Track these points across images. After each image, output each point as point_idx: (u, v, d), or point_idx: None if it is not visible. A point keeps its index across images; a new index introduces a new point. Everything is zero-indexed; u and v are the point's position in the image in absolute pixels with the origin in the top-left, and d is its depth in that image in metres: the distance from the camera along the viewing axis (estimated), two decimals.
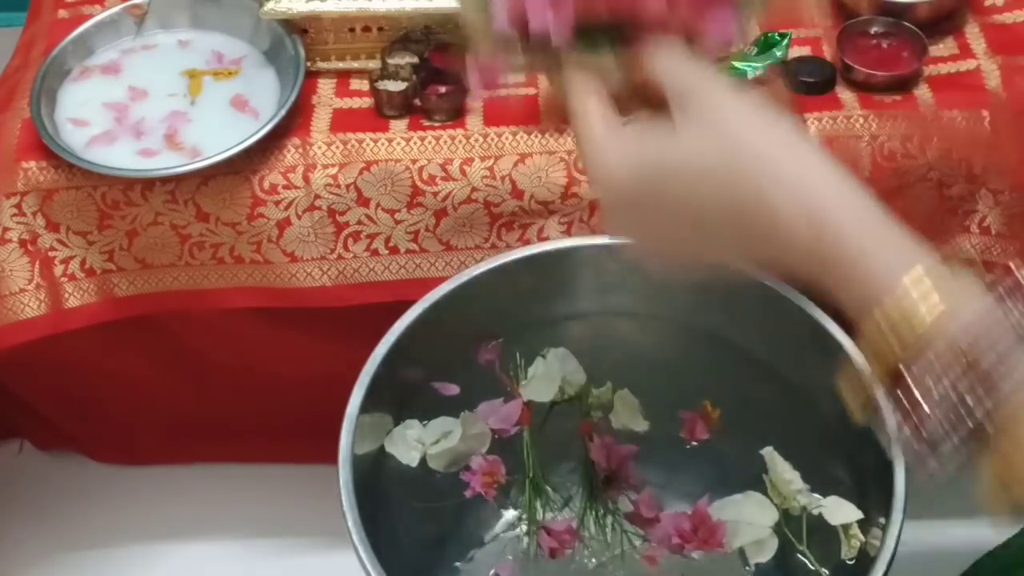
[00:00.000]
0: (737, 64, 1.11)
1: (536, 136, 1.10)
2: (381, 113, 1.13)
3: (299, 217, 1.10)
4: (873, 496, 0.85)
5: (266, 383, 1.28)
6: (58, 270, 1.12)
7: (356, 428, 0.90)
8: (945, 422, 0.51)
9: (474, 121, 1.12)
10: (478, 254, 1.12)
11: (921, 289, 0.51)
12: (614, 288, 0.99)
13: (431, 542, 1.10)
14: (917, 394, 0.51)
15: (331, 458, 0.89)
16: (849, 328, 0.93)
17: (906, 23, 1.15)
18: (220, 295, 1.14)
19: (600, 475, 0.93)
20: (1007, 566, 0.88)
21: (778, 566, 0.93)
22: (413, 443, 0.98)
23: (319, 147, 1.10)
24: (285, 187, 1.09)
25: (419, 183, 1.09)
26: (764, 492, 0.90)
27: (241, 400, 1.31)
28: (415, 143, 1.10)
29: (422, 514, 1.02)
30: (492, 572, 1.02)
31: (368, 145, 1.10)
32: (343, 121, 1.12)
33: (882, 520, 0.82)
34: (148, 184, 1.09)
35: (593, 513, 0.93)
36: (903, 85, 1.12)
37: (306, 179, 1.09)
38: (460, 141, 1.10)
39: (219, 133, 1.10)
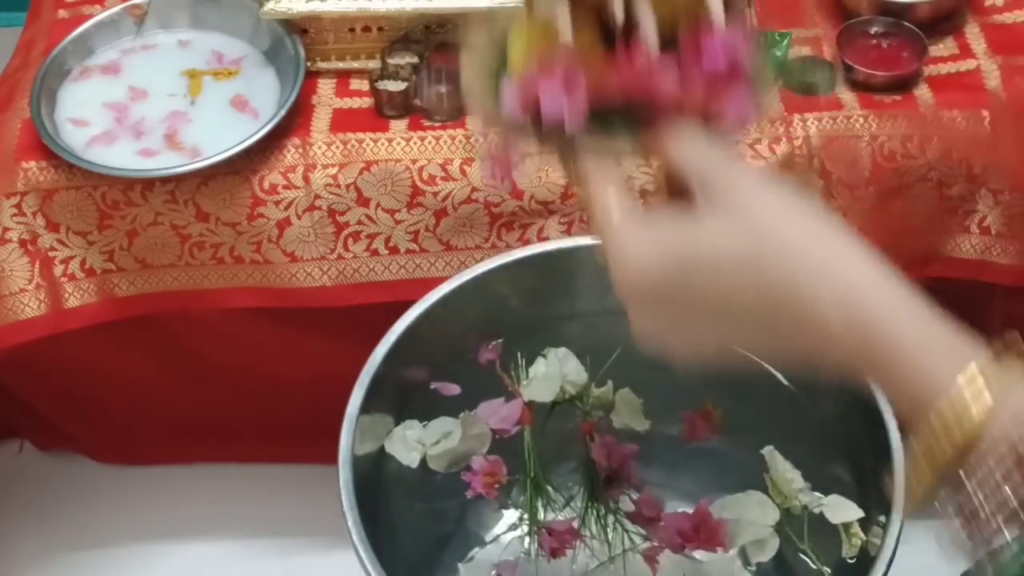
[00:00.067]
0: None
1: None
2: (381, 113, 1.13)
3: (299, 217, 1.10)
4: (874, 495, 0.86)
5: (266, 383, 1.28)
6: (58, 270, 1.12)
7: (356, 428, 0.90)
8: (997, 517, 0.49)
9: (474, 121, 1.12)
10: (478, 254, 1.12)
11: (974, 389, 0.48)
12: (615, 287, 0.99)
13: (432, 542, 1.10)
14: (968, 489, 0.50)
15: (331, 458, 0.89)
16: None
17: (906, 23, 1.15)
18: (220, 295, 1.14)
19: (601, 475, 0.93)
20: None
21: (779, 565, 0.93)
22: (413, 444, 0.98)
23: (319, 147, 1.10)
24: (285, 187, 1.09)
25: (419, 183, 1.09)
26: (765, 491, 0.90)
27: (241, 400, 1.31)
28: (415, 143, 1.10)
29: (423, 514, 1.02)
30: (493, 572, 1.02)
31: (368, 145, 1.10)
32: (343, 121, 1.12)
33: (883, 519, 0.82)
34: (148, 184, 1.09)
35: (594, 513, 0.93)
36: (903, 85, 1.13)
37: (306, 179, 1.09)
38: (460, 141, 1.10)
39: (219, 133, 1.10)
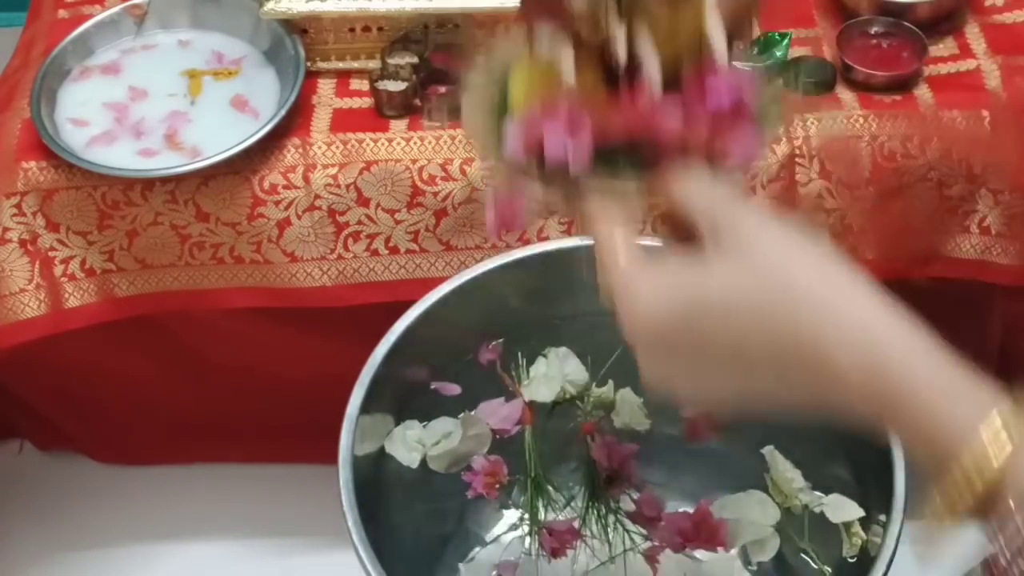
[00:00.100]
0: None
1: None
2: (381, 113, 1.13)
3: (299, 217, 1.10)
4: (874, 494, 0.86)
5: (266, 383, 1.28)
6: (58, 270, 1.12)
7: (356, 428, 0.90)
8: (1019, 561, 0.49)
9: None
10: (478, 254, 1.12)
11: (997, 440, 0.47)
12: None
13: (432, 542, 1.10)
14: (989, 534, 0.49)
15: (331, 458, 0.89)
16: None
17: (906, 23, 1.15)
18: (220, 295, 1.14)
19: (602, 474, 0.93)
20: None
21: (780, 564, 0.93)
22: (413, 444, 0.98)
23: (319, 147, 1.10)
24: (285, 187, 1.09)
25: (419, 183, 1.09)
26: (765, 490, 0.90)
27: (241, 400, 1.31)
28: (415, 143, 1.10)
29: (423, 514, 1.02)
30: (494, 572, 1.02)
31: (368, 145, 1.10)
32: (343, 121, 1.12)
33: (883, 518, 0.82)
34: (148, 184, 1.09)
35: (595, 512, 0.93)
36: (903, 85, 1.13)
37: (306, 179, 1.09)
38: (460, 141, 1.10)
39: (219, 133, 1.10)
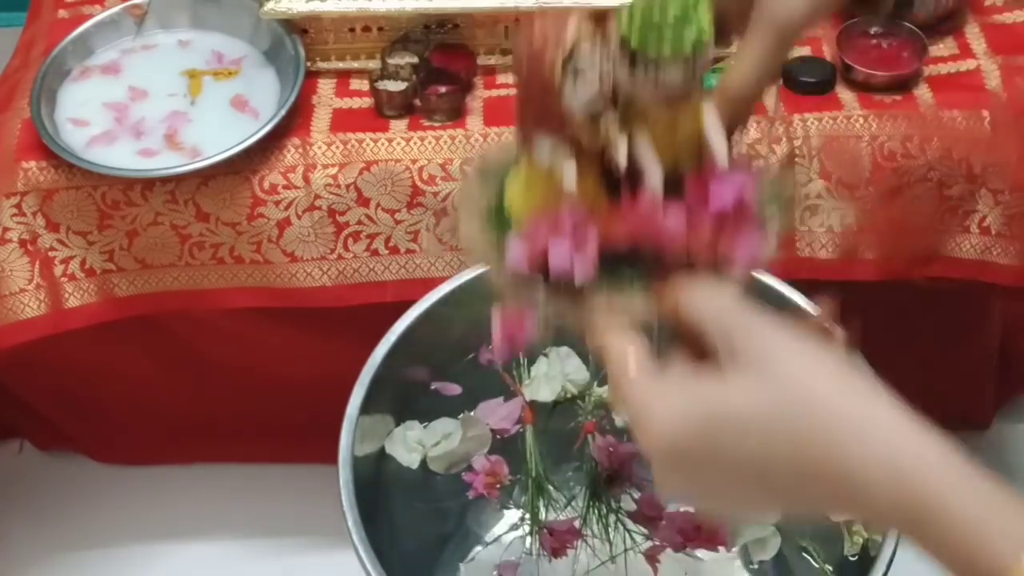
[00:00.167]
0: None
1: None
2: (381, 113, 1.13)
3: (299, 217, 1.10)
4: None
5: (266, 383, 1.28)
6: (58, 270, 1.12)
7: (356, 428, 0.90)
8: None
9: (474, 121, 1.12)
10: None
11: None
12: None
13: (432, 542, 1.10)
14: None
15: (331, 458, 0.89)
16: None
17: (906, 23, 1.15)
18: (220, 295, 1.14)
19: (603, 474, 0.93)
20: None
21: (780, 563, 0.93)
22: (413, 444, 0.98)
23: (319, 147, 1.10)
24: (285, 187, 1.09)
25: (419, 183, 1.09)
26: None
27: (241, 400, 1.31)
28: (415, 143, 1.10)
29: (423, 514, 1.02)
30: (494, 572, 1.02)
31: (368, 145, 1.10)
32: (343, 121, 1.12)
33: None
34: (148, 184, 1.09)
35: (596, 512, 0.93)
36: (903, 85, 1.13)
37: (306, 179, 1.09)
38: (460, 141, 1.10)
39: (219, 133, 1.10)
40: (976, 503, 0.46)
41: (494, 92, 1.15)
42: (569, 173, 0.57)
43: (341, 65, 1.17)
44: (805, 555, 0.87)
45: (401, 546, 0.99)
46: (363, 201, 1.10)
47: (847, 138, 1.10)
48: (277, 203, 1.09)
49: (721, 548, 0.88)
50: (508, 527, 1.05)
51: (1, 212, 1.10)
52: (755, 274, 0.60)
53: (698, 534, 0.87)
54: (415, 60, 1.13)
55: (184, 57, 1.19)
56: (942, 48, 1.17)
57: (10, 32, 1.39)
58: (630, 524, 0.92)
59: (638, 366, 0.55)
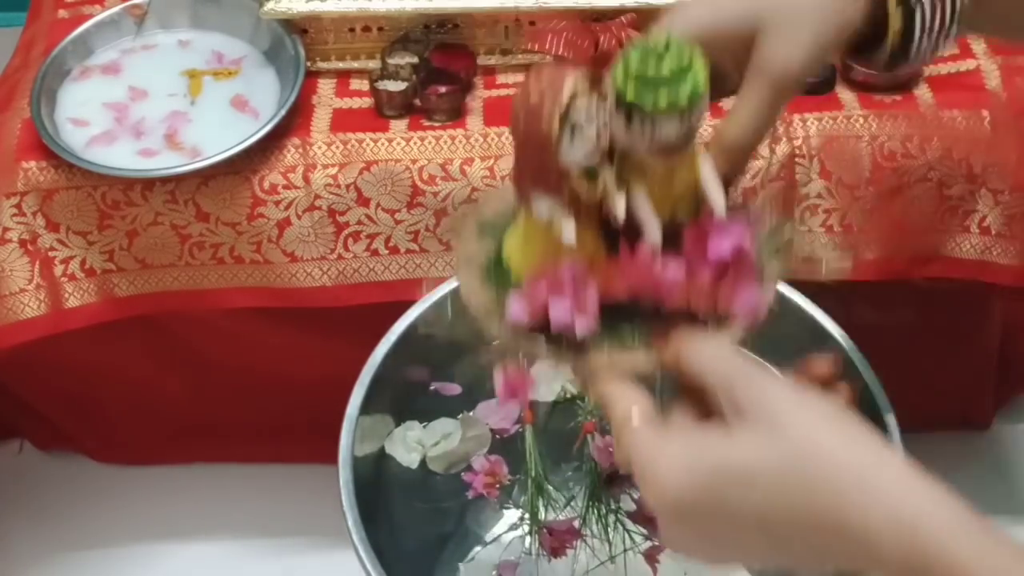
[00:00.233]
0: None
1: None
2: (381, 113, 1.13)
3: (299, 217, 1.10)
4: None
5: (266, 383, 1.28)
6: (58, 270, 1.12)
7: (356, 428, 0.90)
8: None
9: (474, 121, 1.12)
10: None
11: None
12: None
13: (432, 542, 1.10)
14: None
15: (331, 458, 0.89)
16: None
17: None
18: (220, 295, 1.14)
19: (602, 474, 0.93)
20: None
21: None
22: (413, 444, 0.98)
23: (319, 147, 1.10)
24: (285, 187, 1.09)
25: (419, 183, 1.09)
26: None
27: (241, 400, 1.31)
28: (415, 143, 1.10)
29: (423, 514, 1.02)
30: (494, 572, 1.02)
31: (368, 145, 1.10)
32: (343, 121, 1.12)
33: None
34: (148, 184, 1.09)
35: (595, 512, 0.93)
36: (903, 85, 1.13)
37: (306, 179, 1.09)
38: (460, 141, 1.10)
39: (219, 133, 1.10)
40: (980, 553, 0.46)
41: (494, 92, 1.15)
42: (568, 229, 0.58)
43: (341, 65, 1.17)
44: None
45: (401, 546, 0.99)
46: (363, 201, 1.10)
47: (847, 138, 1.10)
48: (277, 203, 1.09)
49: None
50: (508, 527, 1.05)
51: (1, 212, 1.10)
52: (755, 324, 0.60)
53: None
54: (415, 60, 1.13)
55: (184, 57, 1.19)
56: None
57: (10, 32, 1.39)
58: (629, 524, 0.92)
59: (642, 418, 0.55)
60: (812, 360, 0.61)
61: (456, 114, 1.12)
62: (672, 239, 0.60)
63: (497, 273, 0.64)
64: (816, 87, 1.12)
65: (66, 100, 1.15)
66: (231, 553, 1.37)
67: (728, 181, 0.64)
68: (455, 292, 0.64)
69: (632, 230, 0.59)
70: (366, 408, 0.91)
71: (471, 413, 0.97)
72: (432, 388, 0.97)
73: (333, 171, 1.09)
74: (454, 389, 0.95)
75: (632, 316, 0.60)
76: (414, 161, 1.09)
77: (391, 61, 1.13)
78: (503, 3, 1.11)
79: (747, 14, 0.65)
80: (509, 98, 1.14)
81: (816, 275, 0.68)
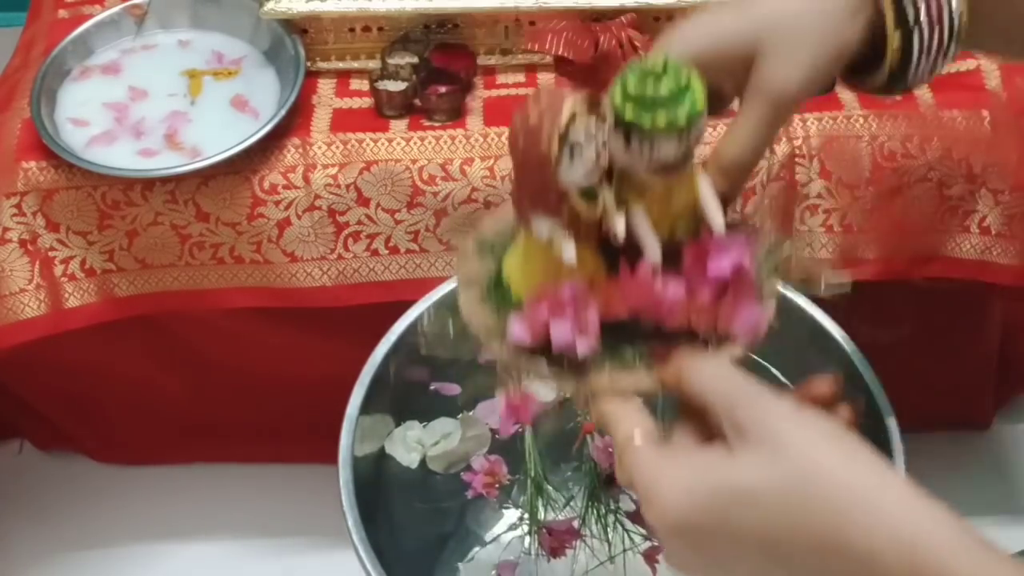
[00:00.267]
0: None
1: None
2: (381, 113, 1.13)
3: (299, 217, 1.10)
4: None
5: (266, 383, 1.28)
6: (58, 270, 1.12)
7: (356, 428, 0.90)
8: None
9: (474, 121, 1.12)
10: None
11: None
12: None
13: (432, 542, 1.10)
14: None
15: (331, 458, 0.89)
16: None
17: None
18: (220, 295, 1.14)
19: (601, 474, 0.93)
20: None
21: None
22: (413, 444, 0.98)
23: (319, 147, 1.10)
24: (285, 187, 1.09)
25: (419, 183, 1.09)
26: None
27: (241, 400, 1.31)
28: (415, 143, 1.10)
29: (423, 514, 1.02)
30: (493, 572, 1.02)
31: (368, 145, 1.10)
32: (343, 121, 1.12)
33: None
34: (148, 184, 1.09)
35: (594, 512, 0.93)
36: None
37: (306, 179, 1.09)
38: (460, 141, 1.10)
39: (219, 133, 1.10)
40: (981, 572, 0.47)
41: (494, 92, 1.15)
42: (568, 250, 0.58)
43: (341, 65, 1.17)
44: None
45: (401, 546, 0.99)
46: (363, 201, 1.10)
47: (847, 138, 1.10)
48: (277, 203, 1.09)
49: None
50: (507, 527, 1.05)
51: (1, 212, 1.10)
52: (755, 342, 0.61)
53: None
54: (415, 60, 1.13)
55: (184, 57, 1.19)
56: None
57: (10, 32, 1.39)
58: (629, 524, 0.92)
59: (644, 438, 0.55)
60: (813, 380, 0.61)
61: (456, 114, 1.12)
62: (672, 257, 0.60)
63: (497, 293, 0.64)
64: None
65: (66, 100, 1.15)
66: (231, 553, 1.37)
67: (727, 199, 0.64)
68: (455, 310, 0.65)
69: (632, 249, 0.60)
70: (366, 408, 0.91)
71: (471, 413, 0.97)
72: (432, 388, 0.97)
73: (333, 171, 1.09)
74: (454, 389, 0.95)
75: (633, 335, 0.60)
76: (414, 161, 1.09)
77: (391, 61, 1.13)
78: (503, 3, 1.11)
79: (746, 35, 0.66)
80: (509, 98, 1.14)
81: (815, 292, 0.68)
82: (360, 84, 1.16)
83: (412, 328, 0.95)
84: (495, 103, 1.14)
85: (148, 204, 1.10)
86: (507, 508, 1.05)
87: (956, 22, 0.67)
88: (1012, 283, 1.13)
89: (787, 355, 0.96)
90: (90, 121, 1.12)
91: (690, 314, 0.59)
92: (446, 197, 1.09)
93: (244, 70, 1.17)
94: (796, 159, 1.09)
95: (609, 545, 0.93)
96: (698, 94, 0.57)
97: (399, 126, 1.12)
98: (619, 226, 0.58)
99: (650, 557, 0.91)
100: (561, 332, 0.58)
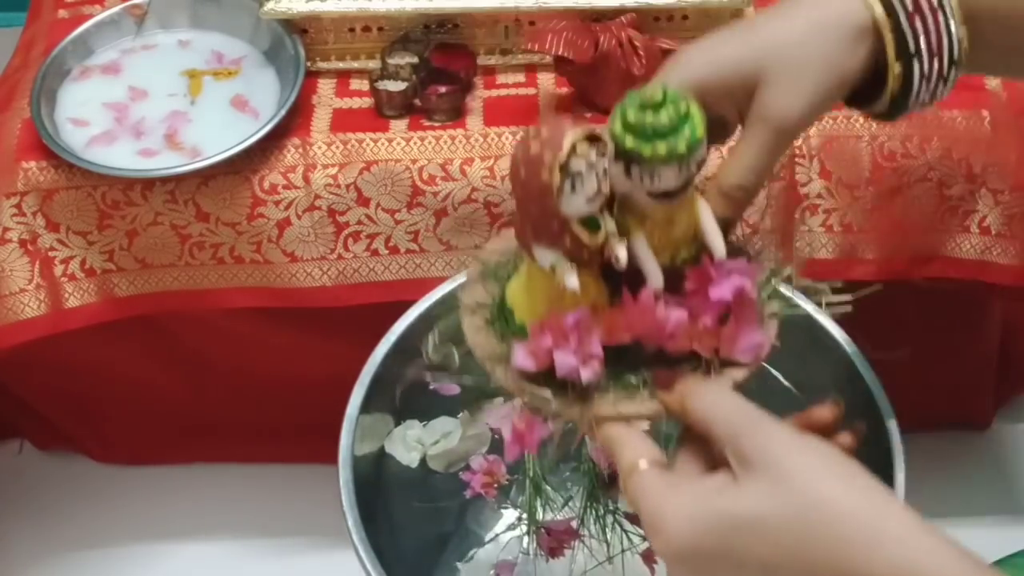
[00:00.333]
0: None
1: None
2: (381, 113, 1.13)
3: (299, 217, 1.10)
4: None
5: (266, 383, 1.28)
6: (58, 270, 1.12)
7: (356, 428, 0.90)
8: None
9: (474, 121, 1.12)
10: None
11: None
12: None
13: (431, 542, 1.10)
14: None
15: (331, 458, 0.89)
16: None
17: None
18: (220, 295, 1.14)
19: (600, 475, 0.93)
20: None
21: None
22: (413, 443, 0.98)
23: (319, 147, 1.10)
24: (285, 187, 1.09)
25: (419, 183, 1.09)
26: None
27: (241, 400, 1.31)
28: (415, 143, 1.10)
29: (423, 514, 1.02)
30: (492, 572, 1.02)
31: (368, 145, 1.10)
32: (343, 121, 1.12)
33: None
34: (148, 184, 1.09)
35: (593, 513, 0.93)
36: None
37: (306, 179, 1.09)
38: (460, 141, 1.10)
39: (219, 133, 1.10)
40: None
41: (494, 92, 1.15)
42: (571, 280, 0.59)
43: (341, 65, 1.17)
44: None
45: (401, 546, 0.99)
46: (363, 201, 1.10)
47: (847, 138, 1.10)
48: (277, 203, 1.09)
49: None
50: (506, 527, 1.05)
51: (1, 212, 1.10)
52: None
53: None
54: (415, 60, 1.13)
55: (184, 57, 1.19)
56: None
57: (10, 32, 1.39)
58: (627, 525, 0.92)
59: (649, 464, 0.56)
60: (814, 408, 0.62)
61: (456, 114, 1.12)
62: (674, 282, 0.61)
63: (501, 318, 0.65)
64: None
65: (66, 100, 1.15)
66: (231, 553, 1.37)
67: (729, 224, 0.65)
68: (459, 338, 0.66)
69: (634, 274, 0.60)
70: (366, 408, 0.91)
71: (471, 412, 0.97)
72: (432, 388, 0.97)
73: (333, 171, 1.09)
74: (454, 389, 0.95)
75: (636, 360, 0.61)
76: (414, 161, 1.09)
77: (391, 61, 1.13)
78: (503, 3, 1.11)
79: (749, 61, 0.66)
80: (509, 98, 1.14)
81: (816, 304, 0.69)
82: (360, 84, 1.16)
83: (412, 328, 0.95)
84: (495, 103, 1.14)
85: (148, 204, 1.10)
86: (506, 508, 1.05)
87: (956, 50, 0.67)
88: (1012, 283, 1.13)
89: (787, 355, 0.96)
90: (90, 121, 1.12)
91: (692, 339, 0.60)
92: (446, 197, 1.09)
93: (244, 70, 1.17)
94: (796, 159, 1.09)
95: (607, 545, 0.93)
96: (697, 122, 0.57)
97: (399, 126, 1.12)
98: (621, 253, 0.59)
99: (648, 558, 0.91)
100: (565, 361, 0.59)
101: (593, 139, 0.57)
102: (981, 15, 0.68)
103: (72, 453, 1.43)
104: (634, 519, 0.92)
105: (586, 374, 0.59)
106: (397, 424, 0.97)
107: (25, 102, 1.13)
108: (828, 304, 0.68)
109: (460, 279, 0.96)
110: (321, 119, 1.13)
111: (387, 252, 1.12)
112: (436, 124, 1.12)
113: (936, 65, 0.67)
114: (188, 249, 1.12)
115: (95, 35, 1.19)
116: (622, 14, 1.11)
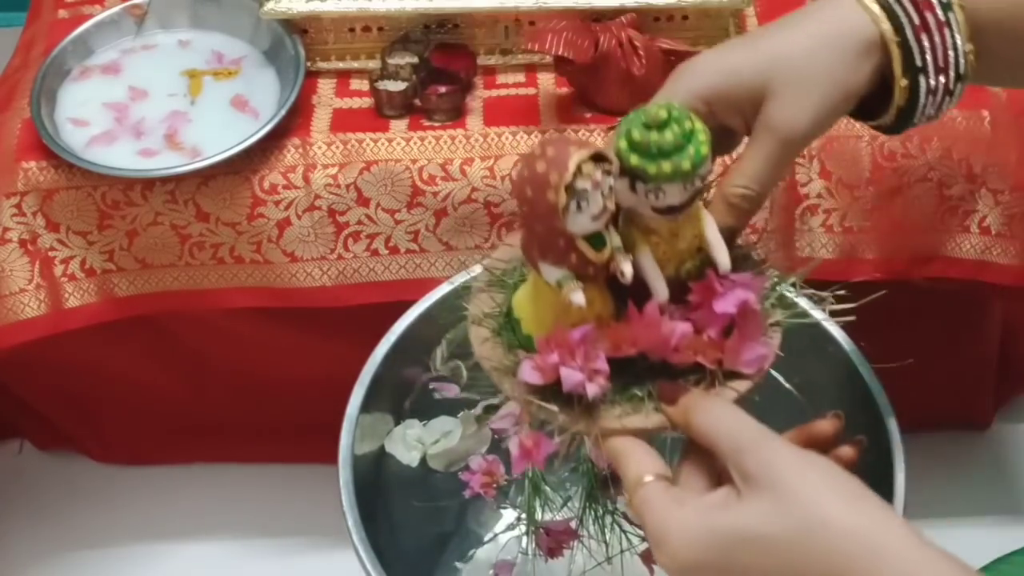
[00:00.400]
0: None
1: (536, 136, 1.11)
2: (381, 113, 1.13)
3: (299, 217, 1.10)
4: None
5: (266, 383, 1.28)
6: (58, 270, 1.12)
7: (356, 428, 0.90)
8: None
9: (474, 121, 1.12)
10: (478, 254, 1.12)
11: None
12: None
13: (431, 542, 1.10)
14: None
15: (331, 458, 0.89)
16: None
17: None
18: (220, 295, 1.14)
19: (599, 475, 0.93)
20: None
21: None
22: (413, 443, 0.98)
23: (319, 147, 1.10)
24: (285, 187, 1.09)
25: (419, 183, 1.09)
26: None
27: (241, 400, 1.31)
28: (415, 143, 1.10)
29: (422, 514, 1.02)
30: (491, 572, 1.02)
31: (368, 145, 1.10)
32: (343, 121, 1.12)
33: None
34: (148, 184, 1.09)
35: (592, 513, 0.92)
36: None
37: (306, 179, 1.09)
38: (460, 141, 1.10)
39: (219, 133, 1.10)
40: None
41: (494, 92, 1.15)
42: (577, 297, 0.59)
43: (341, 65, 1.17)
44: None
45: (400, 546, 0.99)
46: (363, 201, 1.10)
47: (847, 138, 1.10)
48: (277, 203, 1.09)
49: None
50: (506, 527, 1.05)
51: (1, 212, 1.10)
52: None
53: None
54: (415, 60, 1.13)
55: (184, 57, 1.19)
56: None
57: (10, 32, 1.39)
58: (626, 525, 0.92)
59: (654, 477, 0.57)
60: (816, 422, 0.63)
61: (456, 114, 1.12)
62: (679, 294, 0.61)
63: (508, 328, 0.65)
64: None
65: (66, 100, 1.15)
66: (231, 553, 1.37)
67: (733, 234, 0.66)
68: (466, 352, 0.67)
69: (640, 288, 0.61)
70: (366, 408, 0.91)
71: (471, 411, 0.97)
72: (432, 388, 0.97)
73: (333, 171, 1.09)
74: (453, 389, 0.95)
75: (641, 372, 0.62)
76: (414, 161, 1.09)
77: (391, 61, 1.13)
78: (503, 3, 1.11)
79: (756, 73, 0.67)
80: (509, 98, 1.14)
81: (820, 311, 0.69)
82: (360, 84, 1.16)
83: (412, 328, 0.95)
84: (495, 103, 1.14)
85: (148, 204, 1.10)
86: (505, 508, 1.05)
87: (963, 65, 0.67)
88: (1012, 283, 1.13)
89: (786, 355, 0.96)
90: (90, 121, 1.12)
91: (697, 351, 0.60)
92: (446, 197, 1.09)
93: (244, 70, 1.17)
94: (796, 159, 1.09)
95: (607, 546, 0.93)
96: (702, 140, 0.58)
97: (399, 126, 1.12)
98: (627, 269, 0.60)
99: (647, 558, 0.91)
100: (571, 377, 0.59)
101: (598, 158, 0.58)
102: (987, 29, 0.68)
103: (72, 453, 1.43)
104: (633, 519, 0.92)
105: (592, 389, 0.60)
106: (397, 423, 0.97)
107: (25, 102, 1.13)
108: (833, 313, 0.69)
109: (460, 280, 0.96)
110: (321, 119, 1.13)
111: (387, 252, 1.12)
112: (436, 124, 1.12)
113: (942, 80, 0.68)
114: (188, 249, 1.12)
115: (95, 35, 1.19)
116: (622, 14, 1.11)
